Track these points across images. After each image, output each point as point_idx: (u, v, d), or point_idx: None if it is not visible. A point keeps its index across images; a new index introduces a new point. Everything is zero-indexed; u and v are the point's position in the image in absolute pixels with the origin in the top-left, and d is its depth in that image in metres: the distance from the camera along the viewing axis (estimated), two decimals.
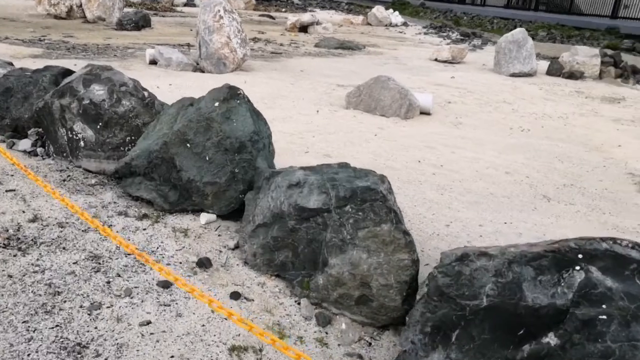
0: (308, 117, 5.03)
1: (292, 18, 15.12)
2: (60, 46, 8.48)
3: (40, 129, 3.83)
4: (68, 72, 4.20)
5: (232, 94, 2.86)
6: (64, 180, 3.26)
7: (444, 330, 1.59)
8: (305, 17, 15.05)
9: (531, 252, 1.53)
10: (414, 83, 7.36)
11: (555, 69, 9.29)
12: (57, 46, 8.43)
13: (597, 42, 15.11)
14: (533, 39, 13.92)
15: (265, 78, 6.99)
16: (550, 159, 4.33)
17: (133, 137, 3.40)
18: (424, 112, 5.52)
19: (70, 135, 3.41)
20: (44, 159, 3.60)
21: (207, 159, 2.78)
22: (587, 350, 1.36)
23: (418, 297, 1.77)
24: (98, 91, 3.36)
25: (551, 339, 1.41)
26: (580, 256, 1.45)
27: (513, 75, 9.00)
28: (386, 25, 20.61)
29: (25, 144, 3.75)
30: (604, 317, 1.37)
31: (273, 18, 19.07)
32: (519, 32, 9.36)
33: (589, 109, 6.74)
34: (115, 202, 2.95)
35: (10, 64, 5.00)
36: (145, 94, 3.52)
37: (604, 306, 1.38)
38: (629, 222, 3.10)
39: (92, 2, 12.14)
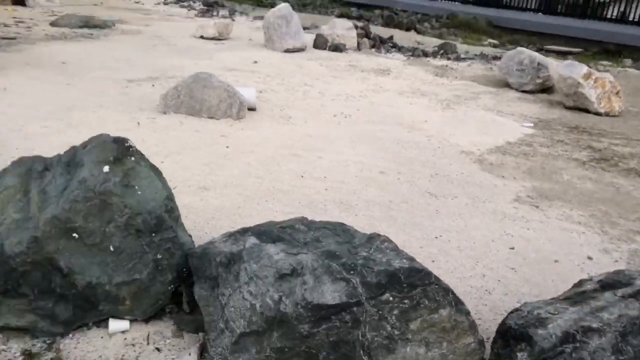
0: (131, 133, 4.10)
1: None
2: None
3: None
4: None
5: (122, 150, 2.04)
6: None
7: None
8: None
9: (635, 317, 1.50)
10: (203, 69, 6.77)
11: (321, 42, 9.78)
12: None
13: (330, 10, 16.55)
14: (272, 7, 14.43)
15: (26, 79, 5.44)
16: (392, 146, 4.52)
17: None
18: (250, 108, 5.13)
19: None
20: None
21: (112, 249, 1.95)
22: None
23: None
24: None
25: None
26: None
27: (287, 51, 9.13)
28: None
29: None
30: None
31: None
32: (285, 7, 9.47)
33: (372, 83, 7.32)
34: None
35: None
36: None
37: None
38: (502, 204, 3.45)
39: None
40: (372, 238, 1.95)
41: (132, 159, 2.05)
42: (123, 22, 11.22)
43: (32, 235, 1.87)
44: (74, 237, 1.91)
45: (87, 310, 1.98)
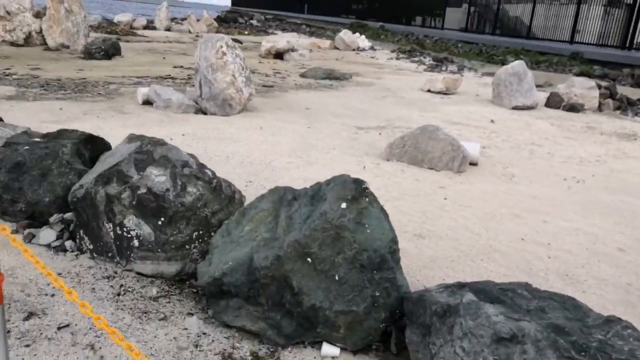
0: (357, 175, 4.43)
1: (267, 44, 14.55)
2: (32, 82, 7.49)
3: (64, 215, 3.04)
4: (91, 139, 3.43)
5: (359, 190, 2.25)
6: (118, 295, 2.51)
7: None
8: (281, 43, 14.52)
9: None
10: (428, 121, 6.94)
11: (555, 102, 9.17)
12: (28, 83, 7.44)
13: (568, 69, 15.41)
14: (503, 64, 14.04)
15: (277, 121, 6.35)
16: (636, 221, 3.95)
17: (201, 232, 2.70)
18: (472, 163, 5.07)
19: (120, 232, 2.67)
20: (77, 257, 2.82)
21: (337, 278, 2.14)
22: None
23: None
24: (158, 177, 2.64)
25: None
26: None
27: (516, 108, 8.80)
28: (354, 50, 20.43)
29: (48, 235, 2.95)
30: None
31: (241, 42, 18.42)
32: (519, 65, 9.20)
33: (614, 148, 6.54)
34: (207, 335, 2.24)
35: (0, 119, 4.14)
36: (209, 173, 2.83)
37: None
38: None
39: (54, 29, 11.09)
40: (610, 321, 1.74)
41: (367, 199, 2.24)
42: (358, 75, 12.29)
43: (276, 254, 2.16)
44: (308, 261, 2.15)
45: (307, 329, 2.19)
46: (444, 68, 15.16)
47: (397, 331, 2.17)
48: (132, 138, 2.93)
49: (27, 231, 2.98)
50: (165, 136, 5.01)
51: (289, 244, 2.15)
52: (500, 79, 9.14)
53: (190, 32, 20.85)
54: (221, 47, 6.59)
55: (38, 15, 11.28)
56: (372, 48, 21.15)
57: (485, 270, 2.92)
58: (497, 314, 1.81)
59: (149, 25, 20.36)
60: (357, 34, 22.02)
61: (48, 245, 2.91)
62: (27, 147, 3.21)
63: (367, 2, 38.89)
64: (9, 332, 2.09)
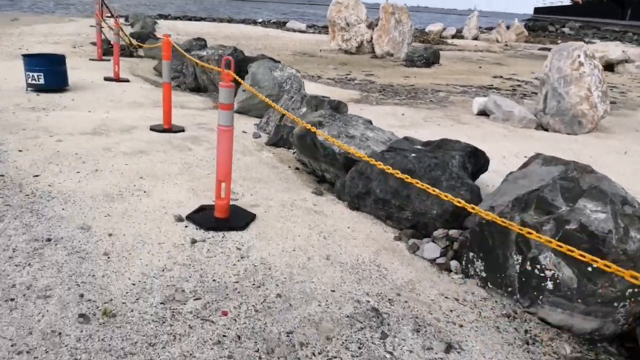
0: None
1: (596, 55, 12.77)
2: (370, 87, 8.05)
3: (449, 231, 2.85)
4: (475, 152, 3.20)
5: None
6: (527, 343, 2.13)
7: None
8: (615, 53, 12.60)
9: None
10: None
11: None
12: (367, 87, 8.02)
13: None
14: None
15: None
16: None
17: (637, 290, 2.11)
18: None
19: (530, 268, 2.29)
20: (464, 280, 2.57)
21: None
22: None
23: None
24: (595, 213, 2.15)
25: None
26: None
27: None
28: None
29: (432, 250, 2.80)
30: None
31: None
32: None
33: None
34: None
35: (369, 121, 4.32)
36: None
37: None
38: None
39: (382, 38, 11.90)
40: None
41: None
42: None
43: None
44: None
45: None
46: None
47: None
48: (547, 159, 2.53)
49: (411, 241, 2.89)
50: (515, 153, 4.59)
51: None
52: None
53: (497, 41, 20.13)
54: (578, 56, 5.80)
55: (370, 26, 12.28)
56: None
57: None
58: None
59: (457, 35, 20.47)
60: None
61: (431, 261, 2.76)
62: (414, 155, 3.15)
63: None
64: None
